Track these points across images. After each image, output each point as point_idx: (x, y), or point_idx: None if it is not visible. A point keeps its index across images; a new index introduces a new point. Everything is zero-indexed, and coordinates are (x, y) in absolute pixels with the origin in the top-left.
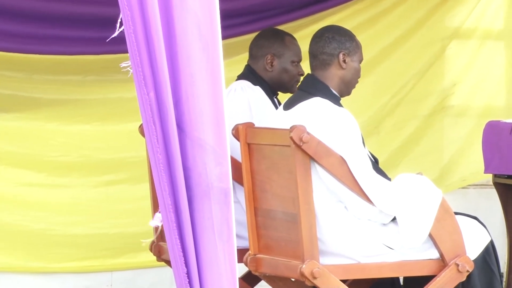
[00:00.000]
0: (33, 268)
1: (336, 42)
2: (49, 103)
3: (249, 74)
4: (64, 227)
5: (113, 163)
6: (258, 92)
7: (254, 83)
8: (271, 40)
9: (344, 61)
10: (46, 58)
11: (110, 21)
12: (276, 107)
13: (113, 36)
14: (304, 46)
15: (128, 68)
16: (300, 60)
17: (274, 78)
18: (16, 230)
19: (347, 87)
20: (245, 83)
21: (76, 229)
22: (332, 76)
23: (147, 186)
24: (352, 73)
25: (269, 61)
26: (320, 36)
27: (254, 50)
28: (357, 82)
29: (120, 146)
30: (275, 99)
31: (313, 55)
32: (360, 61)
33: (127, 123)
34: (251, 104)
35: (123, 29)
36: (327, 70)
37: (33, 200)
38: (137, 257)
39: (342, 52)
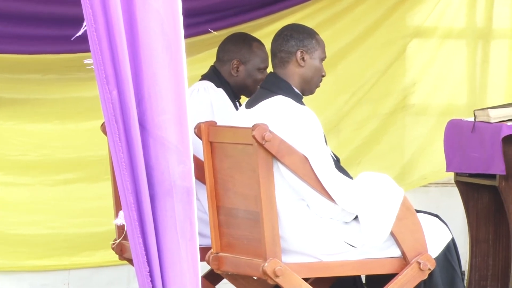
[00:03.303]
0: None
1: (294, 40)
2: (8, 102)
3: (213, 76)
4: (22, 226)
5: (72, 162)
6: (220, 94)
7: (217, 85)
8: (238, 46)
9: (303, 58)
10: (5, 57)
11: (70, 20)
12: None
13: (77, 34)
14: (266, 45)
15: (92, 66)
16: (266, 67)
17: (238, 83)
18: None
19: (308, 85)
20: (208, 84)
21: (33, 227)
22: (292, 74)
23: (105, 185)
24: (312, 71)
25: (235, 66)
26: (279, 34)
27: (221, 54)
28: (320, 80)
29: (79, 145)
30: (237, 103)
31: (273, 53)
32: (322, 59)
33: (86, 122)
34: (213, 106)
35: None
36: (286, 68)
37: None
38: (94, 256)
39: (300, 50)
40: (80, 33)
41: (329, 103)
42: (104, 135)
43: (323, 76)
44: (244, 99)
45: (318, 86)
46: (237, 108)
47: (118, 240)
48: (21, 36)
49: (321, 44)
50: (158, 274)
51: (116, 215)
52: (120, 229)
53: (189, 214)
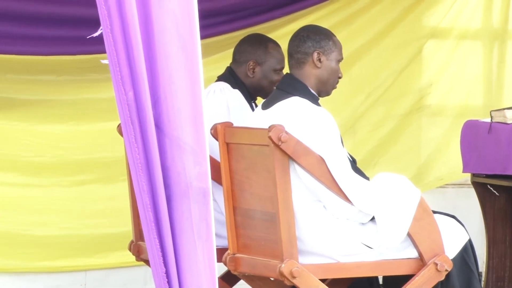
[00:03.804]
0: (4, 268)
1: (310, 41)
2: (22, 103)
3: (230, 77)
4: (36, 227)
5: (86, 163)
6: (236, 95)
7: (233, 86)
8: (254, 47)
9: (319, 60)
10: (20, 58)
11: (85, 21)
12: None
13: (94, 35)
14: (281, 46)
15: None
16: (282, 68)
17: (254, 84)
18: None
19: (325, 87)
20: (224, 85)
21: (48, 228)
22: (308, 75)
23: (120, 186)
24: (328, 72)
25: (251, 67)
26: (296, 35)
27: (237, 55)
28: (336, 82)
29: (94, 146)
30: (253, 104)
31: (289, 54)
32: (338, 60)
33: (100, 123)
34: (230, 107)
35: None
36: (303, 69)
37: (5, 200)
38: (110, 257)
39: (317, 51)
40: (96, 34)
41: (345, 104)
42: (120, 136)
43: (340, 77)
44: (260, 100)
45: (334, 87)
46: (253, 109)
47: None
48: (35, 37)
49: (338, 45)
50: (174, 275)
51: (133, 216)
52: (137, 230)
53: (205, 215)
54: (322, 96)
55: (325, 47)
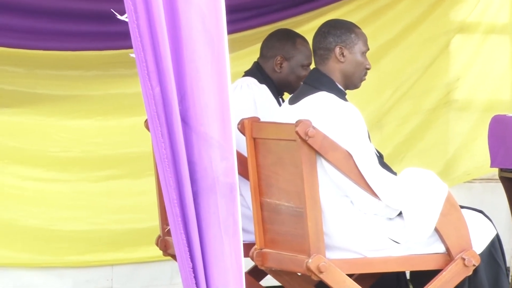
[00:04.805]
0: (33, 262)
1: (331, 36)
2: (50, 99)
3: (257, 72)
4: (65, 222)
5: (113, 158)
6: (263, 91)
7: (260, 81)
8: (282, 42)
9: (342, 54)
10: (48, 53)
11: (113, 17)
12: None
13: (120, 17)
14: (308, 41)
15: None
16: (310, 64)
17: (281, 79)
18: (16, 224)
19: (351, 80)
20: (251, 80)
21: (75, 224)
22: (333, 70)
23: (147, 181)
24: (353, 66)
25: (278, 62)
26: (318, 32)
27: (265, 50)
28: (364, 73)
29: (121, 141)
30: (280, 99)
31: (313, 50)
32: (363, 52)
33: (128, 118)
34: (257, 102)
35: (127, 25)
36: (327, 64)
37: (33, 195)
38: (137, 251)
39: (339, 46)
40: (123, 17)
41: (372, 99)
42: (148, 131)
43: (368, 68)
44: (286, 96)
45: (362, 79)
46: (280, 105)
47: None
48: (63, 33)
49: (361, 37)
50: (201, 270)
51: (160, 211)
52: (164, 225)
53: (232, 210)
54: (350, 89)
55: (347, 41)
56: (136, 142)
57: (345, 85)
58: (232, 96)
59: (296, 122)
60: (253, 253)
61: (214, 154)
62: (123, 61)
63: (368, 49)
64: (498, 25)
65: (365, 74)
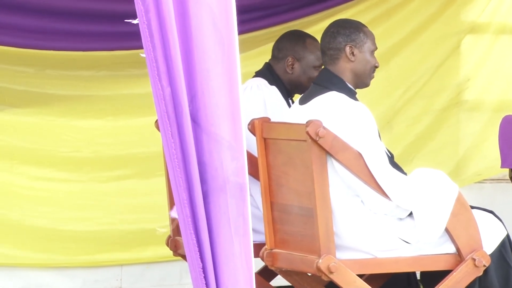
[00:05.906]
0: (42, 262)
1: (341, 36)
2: (61, 99)
3: (267, 73)
4: (74, 222)
5: (124, 159)
6: (274, 92)
7: (271, 83)
8: (292, 43)
9: (352, 53)
10: (59, 54)
11: (123, 17)
12: None
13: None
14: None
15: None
16: (321, 65)
17: (293, 80)
18: (26, 224)
19: (361, 79)
20: (262, 81)
21: (85, 224)
22: (343, 70)
23: (157, 181)
24: (363, 65)
25: (290, 63)
26: (326, 32)
27: (276, 51)
28: (372, 72)
29: (131, 141)
30: (290, 100)
31: (322, 51)
32: (372, 51)
33: (139, 118)
34: (267, 103)
35: (138, 25)
36: (337, 64)
37: (43, 195)
38: (146, 251)
39: (349, 45)
40: (134, 21)
41: (382, 99)
42: (158, 131)
43: (376, 67)
44: (297, 98)
45: (372, 77)
46: (289, 106)
47: (164, 230)
48: (74, 33)
49: (369, 36)
50: (211, 270)
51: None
52: (174, 225)
53: (242, 210)
54: (361, 88)
55: (356, 40)
56: (147, 143)
57: (355, 84)
58: (243, 97)
59: (307, 122)
60: (263, 253)
61: (225, 154)
62: (134, 61)
63: (376, 48)
64: (509, 25)
65: (374, 72)
